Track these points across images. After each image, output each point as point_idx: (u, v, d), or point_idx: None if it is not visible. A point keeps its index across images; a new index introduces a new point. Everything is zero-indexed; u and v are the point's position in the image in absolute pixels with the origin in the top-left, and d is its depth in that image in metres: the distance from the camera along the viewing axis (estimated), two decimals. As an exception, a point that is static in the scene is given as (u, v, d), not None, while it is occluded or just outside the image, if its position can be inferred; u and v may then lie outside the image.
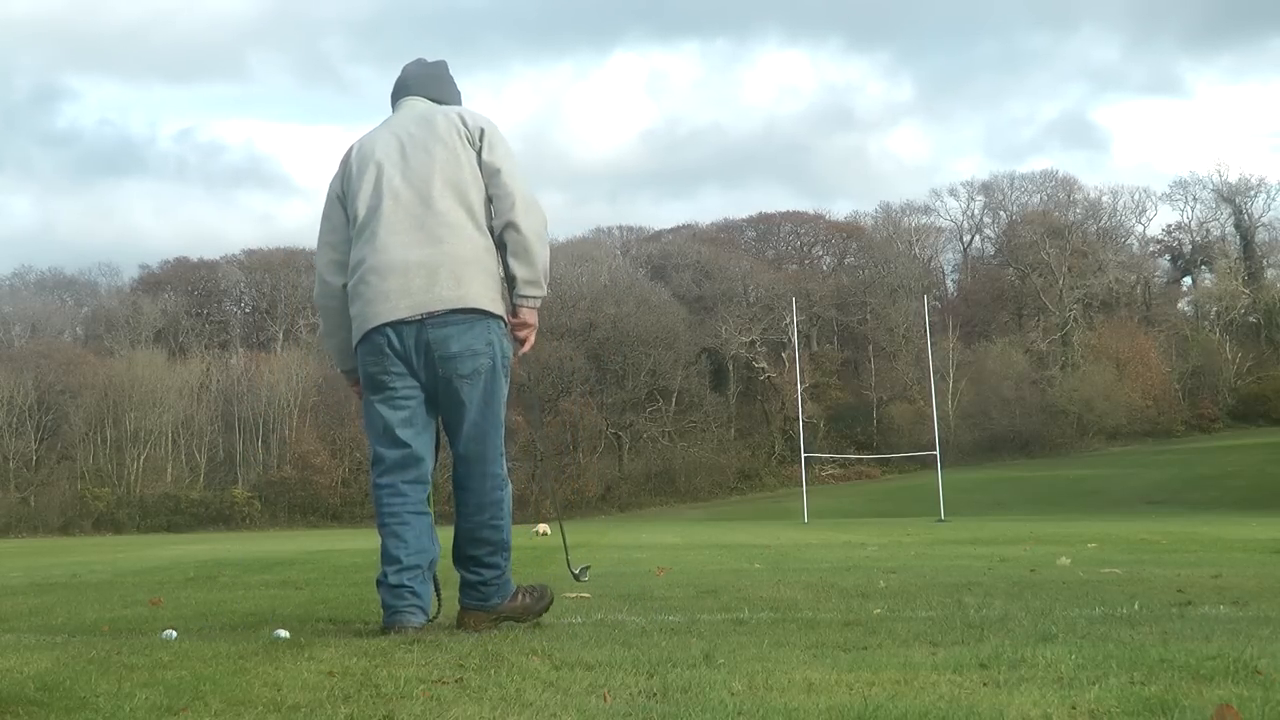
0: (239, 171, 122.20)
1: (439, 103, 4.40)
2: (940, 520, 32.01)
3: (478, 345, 4.15)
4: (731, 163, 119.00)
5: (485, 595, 4.19)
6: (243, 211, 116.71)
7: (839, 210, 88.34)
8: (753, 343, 73.91)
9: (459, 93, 4.51)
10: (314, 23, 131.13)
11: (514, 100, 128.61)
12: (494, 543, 4.17)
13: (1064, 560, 7.82)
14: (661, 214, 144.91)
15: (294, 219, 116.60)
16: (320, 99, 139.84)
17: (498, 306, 4.22)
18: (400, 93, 4.45)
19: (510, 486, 4.30)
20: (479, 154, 4.24)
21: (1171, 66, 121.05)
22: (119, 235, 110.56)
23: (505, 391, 4.26)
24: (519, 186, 4.23)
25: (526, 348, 4.37)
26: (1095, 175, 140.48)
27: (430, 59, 4.54)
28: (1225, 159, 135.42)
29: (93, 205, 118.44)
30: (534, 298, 4.26)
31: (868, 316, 77.29)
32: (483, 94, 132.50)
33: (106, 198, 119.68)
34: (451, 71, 4.56)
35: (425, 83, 4.44)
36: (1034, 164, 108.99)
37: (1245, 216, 79.86)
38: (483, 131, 4.25)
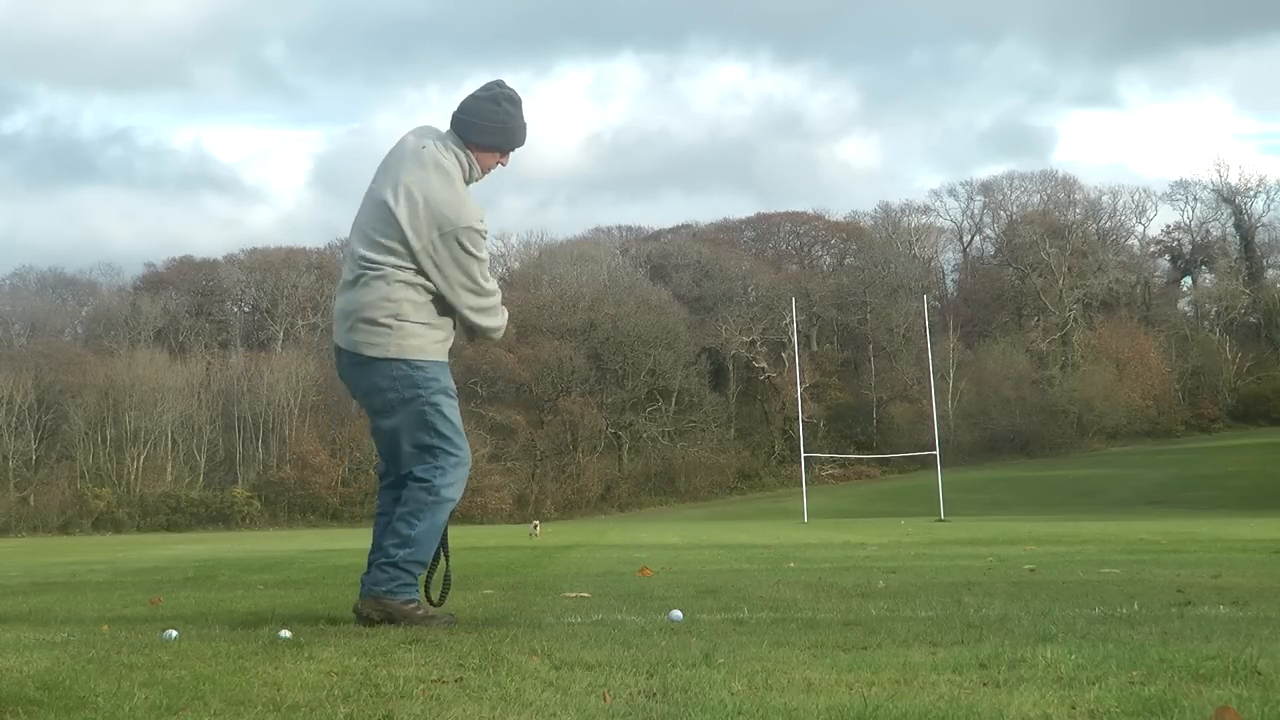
0: (192, 177, 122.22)
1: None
2: (940, 520, 32.00)
3: (381, 383, 4.43)
4: (683, 168, 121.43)
5: (376, 580, 4.34)
6: (205, 215, 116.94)
7: (836, 210, 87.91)
8: (753, 343, 73.88)
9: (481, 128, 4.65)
10: (255, 32, 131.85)
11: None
12: (401, 535, 4.36)
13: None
14: (623, 216, 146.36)
15: (260, 222, 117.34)
16: (267, 104, 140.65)
17: (385, 352, 4.38)
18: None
19: (446, 504, 4.41)
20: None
21: (1105, 78, 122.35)
22: (80, 240, 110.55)
23: (429, 408, 4.41)
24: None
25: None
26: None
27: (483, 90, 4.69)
28: (1225, 160, 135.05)
29: (49, 211, 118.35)
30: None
31: (868, 316, 77.25)
32: (431, 104, 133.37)
33: (65, 204, 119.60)
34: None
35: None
36: (981, 171, 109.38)
37: (1245, 216, 79.86)
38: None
